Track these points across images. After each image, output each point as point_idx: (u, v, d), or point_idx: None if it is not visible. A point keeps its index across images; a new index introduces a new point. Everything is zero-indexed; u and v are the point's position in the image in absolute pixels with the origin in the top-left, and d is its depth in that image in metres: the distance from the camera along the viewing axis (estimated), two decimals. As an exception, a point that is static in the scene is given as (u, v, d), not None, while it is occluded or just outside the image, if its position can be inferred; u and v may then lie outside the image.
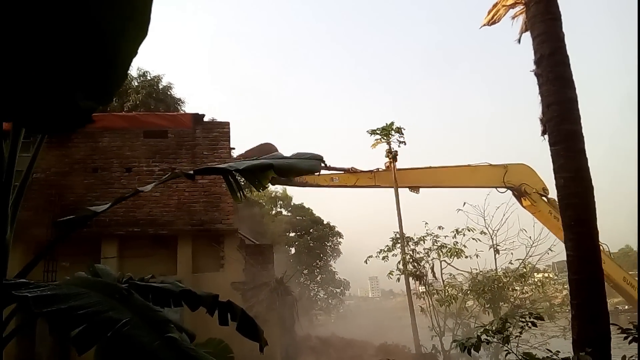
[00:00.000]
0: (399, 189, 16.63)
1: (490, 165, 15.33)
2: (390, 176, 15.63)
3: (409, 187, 16.06)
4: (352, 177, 15.35)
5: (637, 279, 13.65)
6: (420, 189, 16.13)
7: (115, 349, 1.65)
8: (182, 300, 2.69)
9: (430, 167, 15.56)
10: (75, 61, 1.83)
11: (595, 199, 6.16)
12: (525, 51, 7.14)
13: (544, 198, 14.70)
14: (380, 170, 15.75)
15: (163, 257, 10.39)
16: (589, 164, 6.25)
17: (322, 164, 2.73)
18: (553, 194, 14.76)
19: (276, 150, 13.45)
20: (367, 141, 18.81)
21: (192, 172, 2.41)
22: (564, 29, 6.64)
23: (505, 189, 15.43)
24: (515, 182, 14.98)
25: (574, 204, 6.12)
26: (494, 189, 15.66)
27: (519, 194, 15.09)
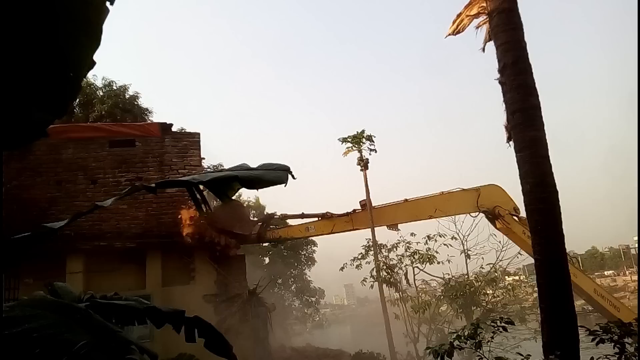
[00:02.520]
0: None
1: (463, 190, 15.27)
2: (367, 217, 15.44)
3: (387, 226, 15.93)
4: (329, 223, 14.96)
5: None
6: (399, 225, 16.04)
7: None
8: (147, 317, 2.60)
9: (405, 201, 15.42)
10: (26, 73, 1.76)
11: (561, 204, 6.31)
12: (491, 60, 7.29)
13: (515, 218, 14.83)
14: (357, 211, 15.49)
15: (132, 271, 10.12)
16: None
17: (290, 175, 2.69)
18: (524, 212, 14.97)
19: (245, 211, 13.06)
20: (339, 149, 18.93)
21: (154, 185, 2.34)
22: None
23: (477, 213, 15.43)
24: (488, 204, 14.93)
25: (540, 209, 6.26)
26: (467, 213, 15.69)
27: (493, 216, 14.96)
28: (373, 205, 15.64)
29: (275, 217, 16.81)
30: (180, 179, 2.54)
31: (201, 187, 2.53)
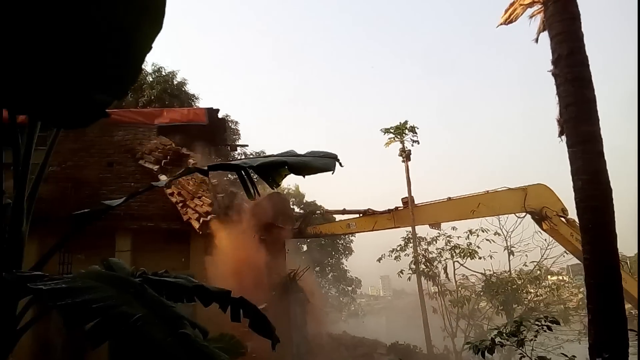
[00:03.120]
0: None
1: (509, 189, 14.72)
2: (409, 215, 15.19)
3: (430, 225, 15.65)
4: (370, 220, 14.81)
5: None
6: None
7: (129, 344, 1.65)
8: (195, 295, 2.68)
9: (449, 200, 15.08)
10: (90, 56, 1.83)
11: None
12: (543, 51, 7.00)
13: (563, 219, 14.22)
14: (398, 208, 15.27)
15: (176, 252, 10.45)
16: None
17: (337, 163, 2.69)
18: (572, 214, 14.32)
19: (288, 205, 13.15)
20: (380, 140, 18.79)
21: (206, 167, 2.40)
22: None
23: (524, 214, 14.92)
24: (536, 205, 14.31)
25: (592, 206, 6.00)
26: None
27: (540, 217, 14.37)
28: (415, 203, 15.44)
29: (317, 213, 16.86)
30: (231, 162, 2.59)
31: (251, 172, 2.58)
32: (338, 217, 16.14)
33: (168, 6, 1.68)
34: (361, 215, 14.76)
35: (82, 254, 9.22)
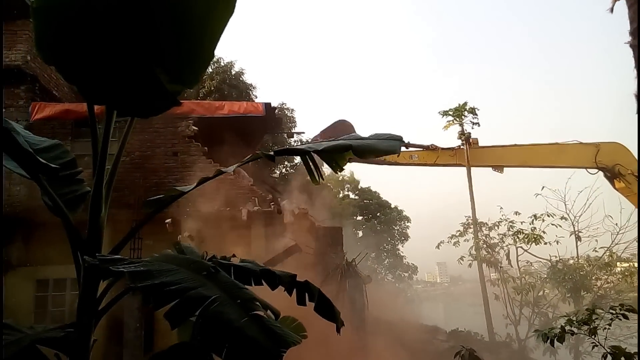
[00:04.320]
0: (479, 169, 15.98)
1: (581, 143, 14.14)
2: (473, 154, 14.96)
3: (492, 167, 15.29)
4: (432, 155, 14.81)
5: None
6: (505, 169, 15.34)
7: (206, 324, 1.70)
8: (263, 279, 2.73)
9: (515, 145, 14.66)
10: (162, 43, 1.87)
11: None
12: (618, 21, 6.50)
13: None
14: (462, 147, 15.08)
15: (238, 238, 10.74)
16: None
17: (402, 145, 2.62)
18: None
19: (352, 128, 13.31)
20: (437, 123, 18.28)
21: (272, 153, 2.42)
22: None
23: (596, 170, 14.24)
24: (608, 162, 13.70)
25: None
26: (583, 169, 14.57)
27: (612, 175, 13.80)
28: (480, 145, 15.21)
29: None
30: (296, 147, 2.60)
31: (315, 156, 2.58)
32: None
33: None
34: (425, 149, 14.72)
35: (150, 240, 9.70)
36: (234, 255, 3.05)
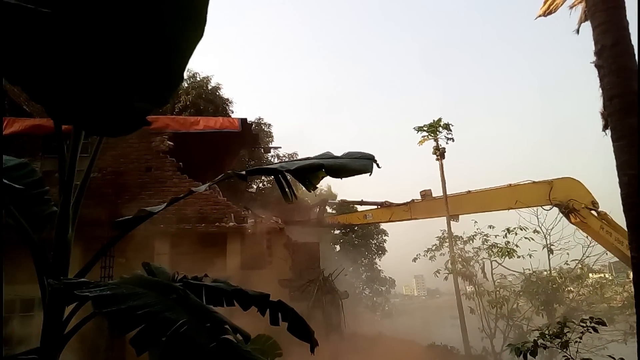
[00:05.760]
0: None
1: (533, 182, 14.59)
2: (426, 207, 15.24)
3: (449, 217, 15.60)
4: (387, 212, 15.03)
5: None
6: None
7: (173, 350, 1.66)
8: (234, 299, 2.70)
9: (468, 192, 14.97)
10: (132, 64, 1.85)
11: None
12: (582, 42, 6.76)
13: (593, 212, 13.83)
14: (415, 201, 15.30)
15: (213, 254, 10.61)
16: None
17: (374, 163, 2.65)
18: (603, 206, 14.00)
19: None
20: (413, 138, 18.56)
21: (244, 172, 2.41)
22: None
23: (550, 207, 14.65)
24: (562, 198, 14.15)
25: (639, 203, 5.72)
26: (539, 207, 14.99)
27: (567, 210, 14.24)
28: (434, 196, 15.40)
29: (330, 201, 17.25)
30: (268, 166, 2.59)
31: (287, 175, 2.58)
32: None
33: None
34: (379, 207, 14.86)
35: (123, 257, 9.48)
36: (205, 275, 3.00)
